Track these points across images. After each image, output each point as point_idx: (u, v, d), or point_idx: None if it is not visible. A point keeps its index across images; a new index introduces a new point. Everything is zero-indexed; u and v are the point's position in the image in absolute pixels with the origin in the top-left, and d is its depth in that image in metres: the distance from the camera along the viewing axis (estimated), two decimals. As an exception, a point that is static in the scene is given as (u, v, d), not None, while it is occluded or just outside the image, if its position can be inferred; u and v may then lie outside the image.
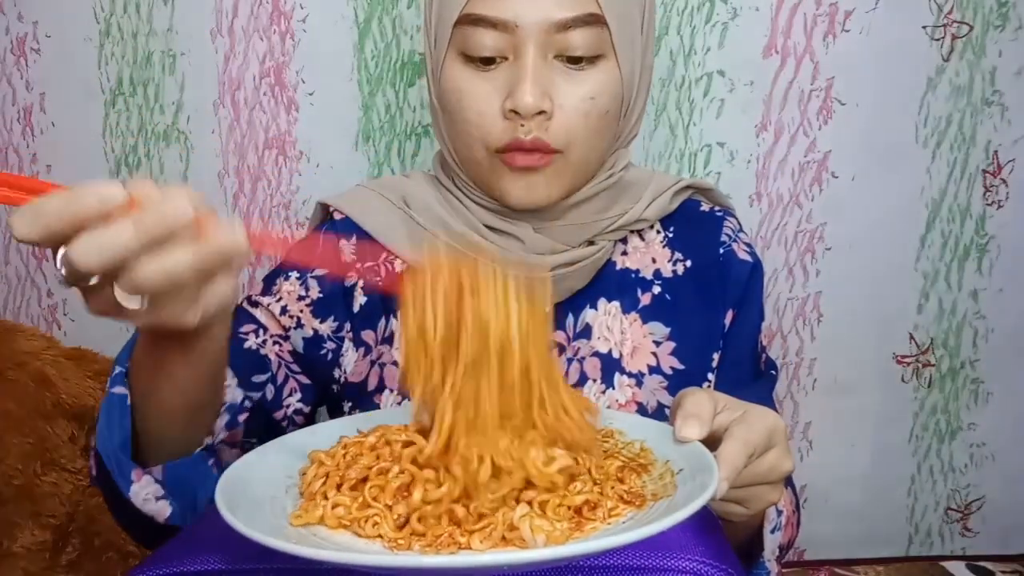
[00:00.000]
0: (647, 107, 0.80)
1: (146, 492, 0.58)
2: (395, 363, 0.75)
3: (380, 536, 0.46)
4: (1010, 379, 1.18)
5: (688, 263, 0.78)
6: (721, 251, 0.79)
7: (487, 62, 0.69)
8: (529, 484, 0.47)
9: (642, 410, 0.73)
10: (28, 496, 0.97)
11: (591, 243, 0.76)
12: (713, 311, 0.77)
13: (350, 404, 0.76)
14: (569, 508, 0.47)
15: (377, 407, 0.75)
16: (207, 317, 0.47)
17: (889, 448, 1.20)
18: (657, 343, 0.76)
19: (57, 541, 0.97)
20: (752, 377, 0.79)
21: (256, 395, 0.70)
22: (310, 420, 0.76)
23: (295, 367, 0.74)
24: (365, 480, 0.49)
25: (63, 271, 0.41)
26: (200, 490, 0.60)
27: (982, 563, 1.21)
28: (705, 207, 0.82)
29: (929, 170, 1.12)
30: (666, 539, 0.50)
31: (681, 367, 0.75)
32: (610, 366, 0.74)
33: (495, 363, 0.47)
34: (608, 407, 0.62)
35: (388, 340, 0.76)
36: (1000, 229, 1.14)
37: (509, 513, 0.45)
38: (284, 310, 0.75)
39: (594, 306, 0.76)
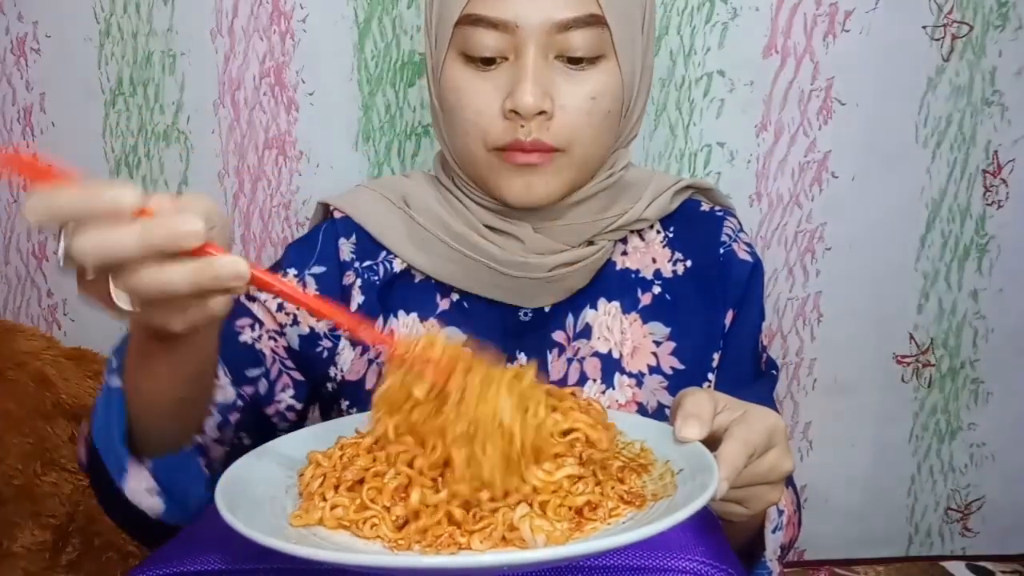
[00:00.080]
0: (647, 107, 0.80)
1: (140, 484, 0.58)
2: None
3: (379, 537, 0.46)
4: (1010, 379, 1.18)
5: (688, 263, 0.78)
6: (721, 251, 0.79)
7: (487, 62, 0.69)
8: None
9: (642, 410, 0.73)
10: (28, 496, 0.97)
11: (591, 243, 0.76)
12: (713, 311, 0.77)
13: (347, 403, 0.76)
14: (570, 508, 0.47)
15: None
16: (194, 327, 0.47)
17: (889, 448, 1.20)
18: (657, 343, 0.76)
19: (57, 541, 0.97)
20: (752, 377, 0.79)
21: (248, 390, 0.70)
22: (301, 417, 0.76)
23: (289, 363, 0.75)
24: (362, 482, 0.49)
25: (62, 256, 0.41)
26: (190, 487, 0.60)
27: (982, 563, 1.21)
28: (705, 207, 0.82)
29: (929, 170, 1.12)
30: (666, 539, 0.50)
31: (681, 367, 0.75)
32: (610, 366, 0.74)
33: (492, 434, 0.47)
34: (608, 407, 0.62)
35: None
36: (1000, 229, 1.14)
37: (509, 513, 0.45)
38: (281, 307, 0.75)
39: (594, 306, 0.76)
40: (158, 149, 1.14)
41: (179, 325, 0.47)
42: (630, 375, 0.74)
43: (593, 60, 0.69)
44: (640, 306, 0.77)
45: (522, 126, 0.67)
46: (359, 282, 0.77)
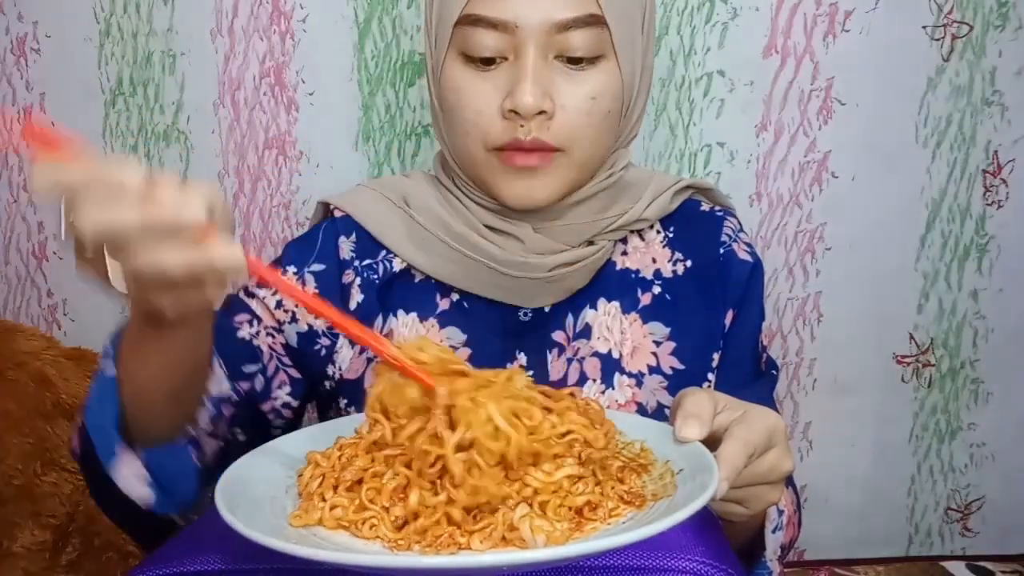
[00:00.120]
0: (647, 107, 0.80)
1: (131, 471, 0.58)
2: None
3: (379, 537, 0.46)
4: (1010, 379, 1.18)
5: (688, 263, 0.78)
6: (721, 251, 0.79)
7: (487, 62, 0.69)
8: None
9: (642, 410, 0.73)
10: (28, 496, 0.97)
11: (591, 243, 0.76)
12: (713, 311, 0.77)
13: (346, 401, 0.76)
14: (569, 508, 0.47)
15: None
16: (186, 315, 0.48)
17: (889, 448, 1.20)
18: (657, 343, 0.76)
19: (57, 541, 0.97)
20: (752, 377, 0.79)
21: (245, 385, 0.70)
22: (297, 414, 0.76)
23: (286, 360, 0.75)
24: (361, 482, 0.49)
25: (64, 229, 0.42)
26: (181, 478, 0.60)
27: (982, 563, 1.21)
28: (705, 207, 0.82)
29: (929, 170, 1.12)
30: (666, 539, 0.50)
31: (681, 367, 0.75)
32: (610, 366, 0.74)
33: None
34: (608, 407, 0.62)
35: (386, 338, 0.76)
36: (1000, 229, 1.14)
37: (509, 513, 0.45)
38: (279, 304, 0.75)
39: (594, 306, 0.76)
40: (158, 149, 1.14)
41: (172, 311, 0.47)
42: (630, 375, 0.74)
43: (593, 60, 0.69)
44: (640, 306, 0.77)
45: (521, 126, 0.67)
46: (358, 281, 0.77)
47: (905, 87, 1.09)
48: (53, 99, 1.15)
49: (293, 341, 0.75)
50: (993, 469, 1.21)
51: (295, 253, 0.78)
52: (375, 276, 0.77)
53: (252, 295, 0.76)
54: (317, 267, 0.77)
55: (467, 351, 0.75)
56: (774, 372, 0.81)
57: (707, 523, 0.54)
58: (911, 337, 1.17)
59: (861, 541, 1.23)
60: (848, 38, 1.07)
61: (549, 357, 0.75)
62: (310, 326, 0.75)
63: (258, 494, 0.50)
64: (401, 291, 0.77)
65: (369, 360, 0.76)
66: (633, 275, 0.78)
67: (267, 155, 1.13)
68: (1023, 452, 1.20)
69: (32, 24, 1.13)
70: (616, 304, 0.76)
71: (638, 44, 0.72)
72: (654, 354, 0.75)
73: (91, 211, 0.41)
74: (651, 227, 0.80)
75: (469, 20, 0.68)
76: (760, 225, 1.13)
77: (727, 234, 0.79)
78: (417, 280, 0.77)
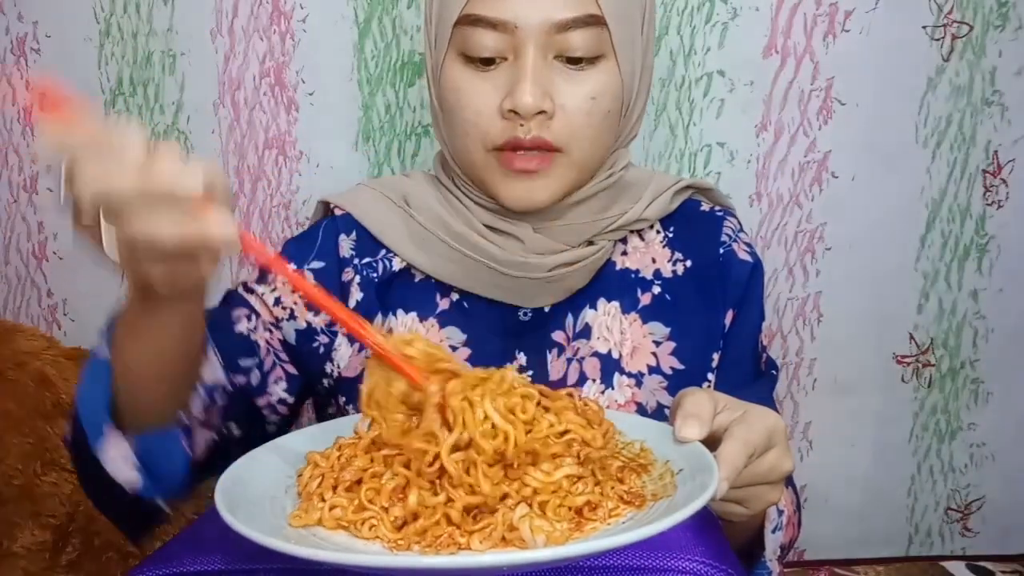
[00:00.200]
0: (647, 107, 0.80)
1: (118, 452, 0.57)
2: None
3: (379, 537, 0.46)
4: (1010, 379, 1.18)
5: (688, 263, 0.78)
6: (721, 251, 0.78)
7: (487, 62, 0.69)
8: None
9: (642, 410, 0.73)
10: (28, 496, 0.97)
11: (591, 243, 0.76)
12: (713, 311, 0.77)
13: (344, 399, 0.76)
14: (569, 508, 0.47)
15: None
16: (177, 290, 0.48)
17: (889, 448, 1.20)
18: (657, 343, 0.76)
19: (57, 541, 0.97)
20: (752, 377, 0.79)
21: (241, 379, 0.70)
22: (293, 411, 0.76)
23: (283, 356, 0.75)
24: (360, 482, 0.49)
25: (63, 193, 0.43)
26: (170, 464, 0.59)
27: (982, 563, 1.21)
28: (705, 207, 0.82)
29: (929, 170, 1.12)
30: (666, 539, 0.50)
31: (681, 367, 0.75)
32: (609, 366, 0.74)
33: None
34: (607, 407, 0.62)
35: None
36: (1000, 229, 1.14)
37: (509, 513, 0.45)
38: (278, 301, 0.75)
39: (594, 306, 0.76)
40: (158, 149, 1.14)
41: (163, 283, 0.47)
42: (629, 375, 0.74)
43: (592, 60, 0.69)
44: (640, 306, 0.77)
45: (521, 125, 0.67)
46: (358, 279, 0.77)
47: (905, 87, 1.09)
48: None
49: (291, 338, 0.75)
50: (993, 469, 1.21)
51: (294, 250, 0.78)
52: (374, 274, 0.77)
53: (251, 291, 0.76)
54: (317, 264, 0.77)
55: (467, 351, 0.75)
56: (774, 372, 0.81)
57: (707, 523, 0.54)
58: (911, 337, 1.17)
59: (861, 541, 1.23)
60: (848, 38, 1.07)
61: (549, 357, 0.75)
62: (308, 323, 0.75)
63: (258, 494, 0.50)
64: (401, 290, 0.77)
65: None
66: (633, 275, 0.78)
67: (267, 155, 1.13)
68: (1023, 452, 1.20)
69: (32, 24, 1.13)
70: (616, 304, 0.76)
71: (638, 44, 0.72)
72: (654, 354, 0.75)
73: (90, 174, 0.41)
74: (651, 227, 0.80)
75: (469, 20, 0.68)
76: (760, 225, 1.13)
77: (727, 234, 0.79)
78: (417, 280, 0.77)
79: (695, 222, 0.81)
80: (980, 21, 1.07)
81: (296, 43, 1.10)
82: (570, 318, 0.76)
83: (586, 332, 0.75)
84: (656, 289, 0.77)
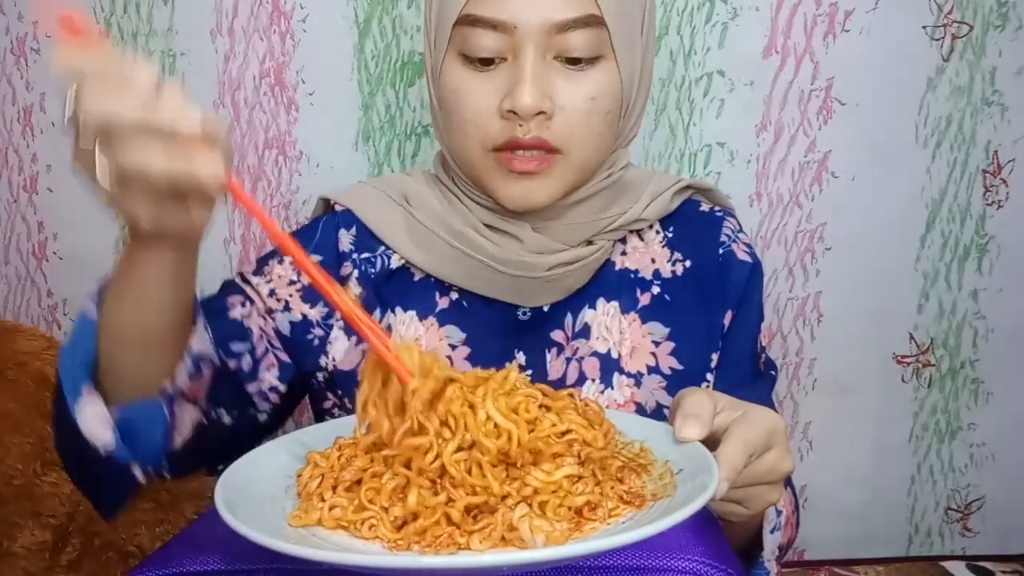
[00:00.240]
0: (647, 107, 0.80)
1: (94, 412, 0.57)
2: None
3: (378, 537, 0.46)
4: (1010, 379, 1.18)
5: (687, 263, 0.78)
6: (721, 251, 0.79)
7: (486, 62, 0.69)
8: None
9: (641, 410, 0.73)
10: (28, 496, 0.97)
11: (590, 243, 0.76)
12: (712, 311, 0.77)
13: (340, 391, 0.76)
14: (569, 508, 0.47)
15: None
16: (164, 231, 0.50)
17: (889, 448, 1.20)
18: (656, 343, 0.76)
19: (57, 541, 0.97)
20: (751, 378, 0.79)
21: (232, 363, 0.70)
22: (285, 401, 0.75)
23: (276, 343, 0.75)
24: (360, 482, 0.49)
25: (69, 114, 0.44)
26: (147, 428, 0.59)
27: (982, 563, 1.21)
28: (705, 207, 0.82)
29: (929, 170, 1.12)
30: (666, 539, 0.50)
31: (680, 367, 0.75)
32: (609, 366, 0.74)
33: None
34: (607, 407, 0.63)
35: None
36: (1000, 229, 1.14)
37: (509, 513, 0.45)
38: (272, 292, 0.76)
39: (593, 306, 0.76)
40: (158, 149, 1.14)
41: (149, 221, 0.48)
42: (629, 375, 0.74)
43: (592, 60, 0.69)
44: (639, 306, 0.77)
45: (520, 125, 0.67)
46: (356, 273, 0.77)
47: (905, 87, 1.09)
48: (53, 99, 1.15)
49: (285, 329, 0.75)
50: (993, 469, 1.21)
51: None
52: (372, 270, 0.77)
53: (247, 281, 0.76)
54: (315, 257, 0.77)
55: (466, 349, 0.75)
56: (773, 373, 0.81)
57: (707, 523, 0.54)
58: (911, 337, 1.17)
59: (861, 541, 1.23)
60: (848, 38, 1.07)
61: (548, 356, 0.75)
62: (304, 315, 0.76)
63: (258, 494, 0.50)
64: (400, 289, 0.77)
65: (365, 353, 0.76)
66: (632, 275, 0.78)
67: (267, 155, 1.13)
68: (1023, 452, 1.20)
69: (32, 24, 1.13)
70: (615, 304, 0.76)
71: (637, 45, 0.72)
72: (653, 354, 0.75)
73: (96, 98, 0.43)
74: (650, 227, 0.80)
75: (468, 20, 0.68)
76: (760, 225, 1.13)
77: (726, 235, 0.79)
78: (416, 278, 0.77)
79: (695, 222, 0.81)
80: (980, 21, 1.07)
81: (296, 43, 1.10)
82: (569, 318, 0.76)
83: (585, 332, 0.75)
84: (655, 289, 0.77)
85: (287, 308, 0.75)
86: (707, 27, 1.07)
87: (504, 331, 0.76)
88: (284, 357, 0.75)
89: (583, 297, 0.76)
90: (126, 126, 0.43)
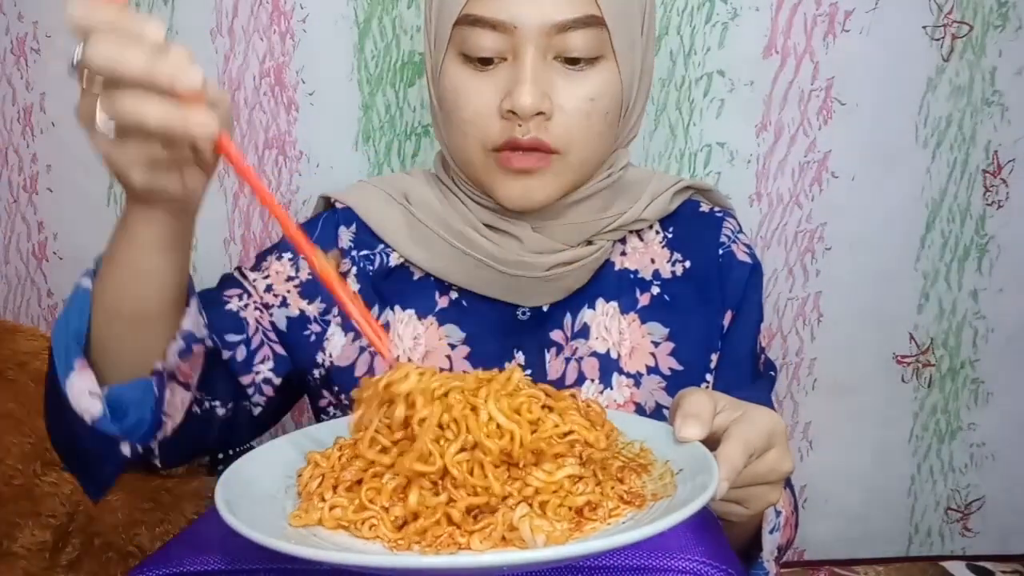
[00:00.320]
0: (647, 107, 0.80)
1: (84, 384, 0.57)
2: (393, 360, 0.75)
3: (379, 537, 0.46)
4: (1010, 379, 1.18)
5: (687, 264, 0.78)
6: (720, 252, 0.79)
7: (486, 62, 0.69)
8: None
9: (640, 411, 0.73)
10: (28, 496, 0.97)
11: (590, 243, 0.76)
12: (712, 312, 0.77)
13: (337, 388, 0.76)
14: (569, 508, 0.47)
15: None
16: (156, 191, 0.51)
17: (889, 448, 1.20)
18: (656, 343, 0.76)
19: (57, 541, 0.97)
20: (751, 378, 0.79)
21: (226, 353, 0.70)
22: (279, 393, 0.75)
23: (272, 336, 0.75)
24: (360, 482, 0.49)
25: (75, 61, 0.46)
26: (132, 408, 0.58)
27: (982, 563, 1.21)
28: (704, 208, 0.82)
29: (929, 170, 1.12)
30: (666, 539, 0.50)
31: (679, 368, 0.75)
32: (608, 366, 0.74)
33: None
34: (607, 407, 0.63)
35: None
36: (1000, 229, 1.14)
37: (509, 513, 0.45)
38: (269, 288, 0.76)
39: (592, 306, 0.76)
40: (158, 149, 1.14)
41: (140, 178, 0.49)
42: (628, 375, 0.74)
43: (592, 61, 0.69)
44: (639, 306, 0.77)
45: (519, 126, 0.67)
46: (354, 270, 0.77)
47: (905, 87, 1.09)
48: (53, 99, 1.15)
49: (282, 325, 0.75)
50: (993, 469, 1.21)
51: None
52: (371, 267, 0.77)
53: (245, 276, 0.76)
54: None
55: (465, 349, 0.75)
56: (772, 373, 0.81)
57: (707, 523, 0.54)
58: (911, 337, 1.17)
59: (861, 541, 1.23)
60: (848, 38, 1.07)
61: (547, 356, 0.75)
62: (301, 311, 0.76)
63: (258, 494, 0.50)
64: (399, 287, 0.77)
65: (362, 349, 0.76)
66: (632, 275, 0.78)
67: (267, 155, 1.13)
68: (1023, 452, 1.20)
69: (32, 24, 1.13)
70: (614, 304, 0.76)
71: (637, 45, 0.72)
72: (652, 354, 0.75)
73: (104, 45, 0.44)
74: (650, 227, 0.80)
75: (468, 20, 0.68)
76: (760, 225, 1.13)
77: (726, 235, 0.79)
78: (416, 278, 0.77)
79: (694, 223, 0.81)
80: (980, 21, 1.07)
81: (296, 43, 1.10)
82: (568, 318, 0.76)
83: (584, 332, 0.75)
84: (655, 290, 0.77)
85: (284, 304, 0.76)
86: (707, 27, 1.07)
87: (503, 331, 0.76)
88: (280, 350, 0.75)
89: (582, 297, 0.76)
90: (129, 76, 0.44)
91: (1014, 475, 1.21)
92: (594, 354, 0.75)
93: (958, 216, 1.13)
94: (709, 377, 0.77)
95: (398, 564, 0.42)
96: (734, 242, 0.79)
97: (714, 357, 0.77)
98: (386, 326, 0.76)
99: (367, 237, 0.78)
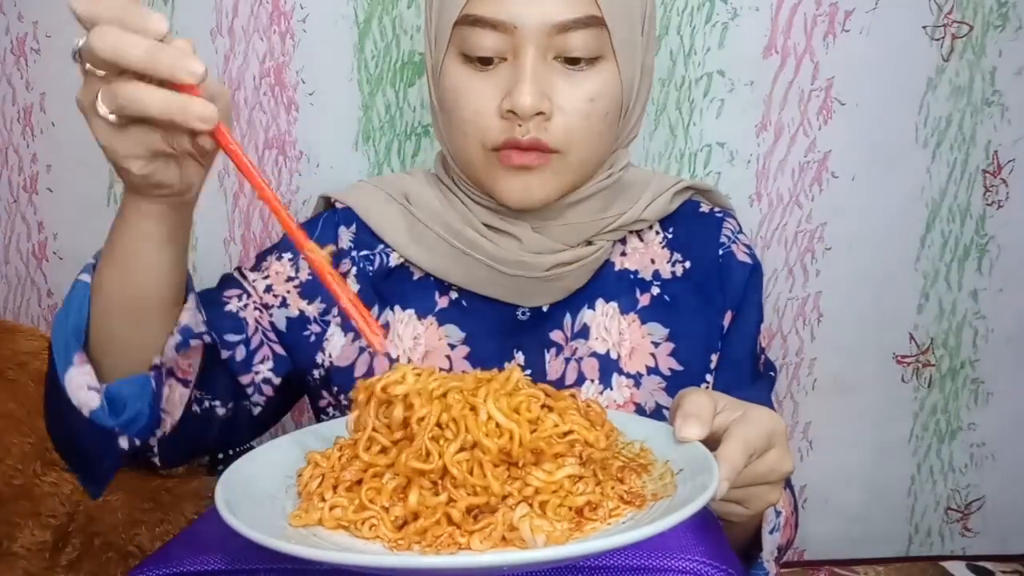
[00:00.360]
0: (647, 107, 0.80)
1: (82, 379, 0.57)
2: (387, 354, 0.75)
3: (379, 537, 0.46)
4: (1010, 379, 1.18)
5: (687, 264, 0.78)
6: (720, 252, 0.79)
7: (486, 62, 0.69)
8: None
9: (640, 411, 0.73)
10: (28, 496, 0.97)
11: (589, 243, 0.76)
12: (712, 312, 0.77)
13: (337, 388, 0.76)
14: (570, 508, 0.47)
15: None
16: (154, 182, 0.51)
17: (889, 448, 1.20)
18: (655, 344, 0.76)
19: (57, 541, 0.97)
20: (751, 378, 0.79)
21: (225, 353, 0.71)
22: (278, 393, 0.75)
23: (271, 336, 0.75)
24: (360, 482, 0.49)
25: (79, 48, 0.48)
26: (130, 403, 0.58)
27: (982, 563, 1.21)
28: (705, 208, 0.82)
29: (929, 170, 1.12)
30: (666, 539, 0.50)
31: (679, 368, 0.75)
32: (608, 367, 0.74)
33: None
34: (607, 407, 0.63)
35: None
36: (1000, 229, 1.14)
37: (509, 513, 0.45)
38: (269, 288, 0.76)
39: (592, 306, 0.76)
40: (158, 149, 1.14)
41: (139, 168, 0.50)
42: (628, 376, 0.74)
43: (592, 61, 0.69)
44: (638, 307, 0.77)
45: (519, 126, 0.67)
46: (354, 270, 0.77)
47: (905, 87, 1.09)
48: (53, 99, 1.15)
49: (282, 325, 0.75)
50: (993, 469, 1.21)
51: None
52: (371, 267, 0.77)
53: (245, 276, 0.77)
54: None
55: (465, 349, 0.75)
56: (772, 374, 0.81)
57: (707, 523, 0.54)
58: (911, 337, 1.17)
59: (861, 541, 1.23)
60: (848, 38, 1.07)
61: (547, 357, 0.75)
62: (301, 311, 0.76)
63: (258, 494, 0.50)
64: (399, 287, 0.77)
65: (362, 349, 0.76)
66: (632, 276, 0.78)
67: (267, 155, 1.13)
68: (1023, 452, 1.20)
69: (32, 24, 1.13)
70: (614, 304, 0.76)
71: (638, 45, 0.72)
72: (652, 355, 0.75)
73: (109, 33, 0.46)
74: (650, 228, 0.80)
75: (468, 20, 0.68)
76: (760, 225, 1.13)
77: (726, 235, 0.79)
78: (416, 277, 0.77)
79: (694, 223, 0.81)
80: (980, 21, 1.07)
81: (296, 43, 1.10)
82: (568, 318, 0.76)
83: (584, 332, 0.75)
84: (655, 290, 0.77)
85: (284, 304, 0.76)
86: (707, 27, 1.07)
87: (503, 331, 0.76)
88: (279, 350, 0.75)
89: (582, 297, 0.76)
90: (131, 64, 0.45)
91: (1014, 475, 1.21)
92: (594, 354, 0.75)
93: (958, 216, 1.13)
94: (709, 377, 0.76)
95: (398, 564, 0.42)
96: (734, 242, 0.79)
97: (714, 357, 0.77)
98: (386, 326, 0.76)
99: (367, 237, 0.78)
